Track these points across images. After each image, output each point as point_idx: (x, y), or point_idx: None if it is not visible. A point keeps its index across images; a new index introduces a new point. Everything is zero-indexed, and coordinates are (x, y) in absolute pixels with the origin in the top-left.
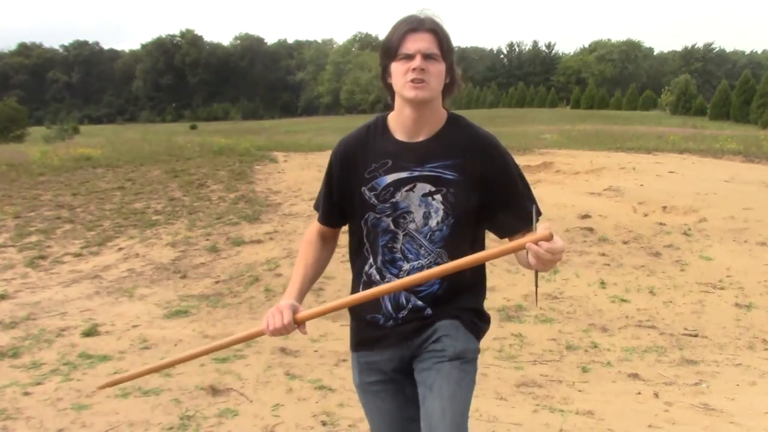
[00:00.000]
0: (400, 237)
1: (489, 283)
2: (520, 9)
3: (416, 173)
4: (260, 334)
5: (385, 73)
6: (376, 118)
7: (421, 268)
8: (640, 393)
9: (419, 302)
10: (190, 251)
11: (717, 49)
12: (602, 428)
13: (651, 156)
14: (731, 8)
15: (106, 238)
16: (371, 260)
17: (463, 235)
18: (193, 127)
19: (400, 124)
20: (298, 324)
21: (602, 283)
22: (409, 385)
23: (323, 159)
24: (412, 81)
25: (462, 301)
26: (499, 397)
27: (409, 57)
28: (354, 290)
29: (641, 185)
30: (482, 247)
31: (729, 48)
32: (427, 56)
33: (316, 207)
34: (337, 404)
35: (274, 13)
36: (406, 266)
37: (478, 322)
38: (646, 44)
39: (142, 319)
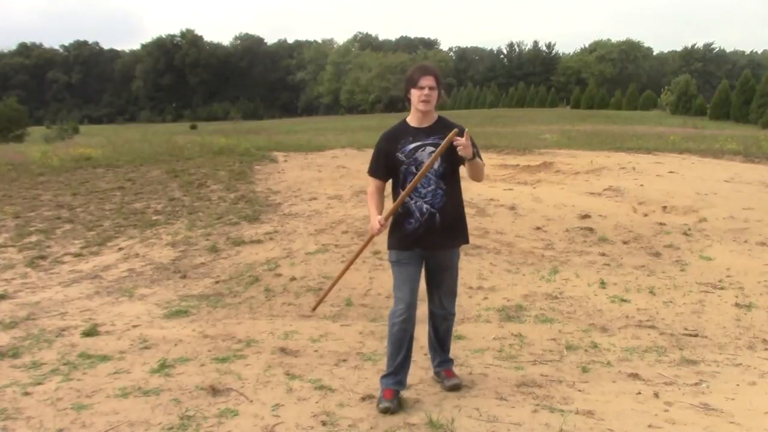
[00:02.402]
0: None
1: (489, 284)
2: (520, 9)
3: (425, 142)
4: (372, 236)
5: (407, 92)
6: (402, 121)
7: (431, 191)
8: (640, 393)
9: (432, 209)
10: (190, 251)
11: (717, 49)
12: (602, 428)
13: (651, 156)
14: (731, 8)
15: (106, 238)
16: (402, 189)
17: (451, 171)
18: (193, 127)
19: (414, 119)
20: (385, 221)
21: (602, 283)
22: (420, 265)
23: (323, 159)
24: (423, 101)
25: (456, 224)
26: (499, 397)
27: (422, 88)
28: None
29: (641, 185)
30: (459, 177)
31: (729, 48)
32: (431, 88)
33: (373, 171)
34: (337, 404)
35: (274, 13)
36: (422, 191)
37: (465, 238)
38: (646, 44)
39: (142, 319)
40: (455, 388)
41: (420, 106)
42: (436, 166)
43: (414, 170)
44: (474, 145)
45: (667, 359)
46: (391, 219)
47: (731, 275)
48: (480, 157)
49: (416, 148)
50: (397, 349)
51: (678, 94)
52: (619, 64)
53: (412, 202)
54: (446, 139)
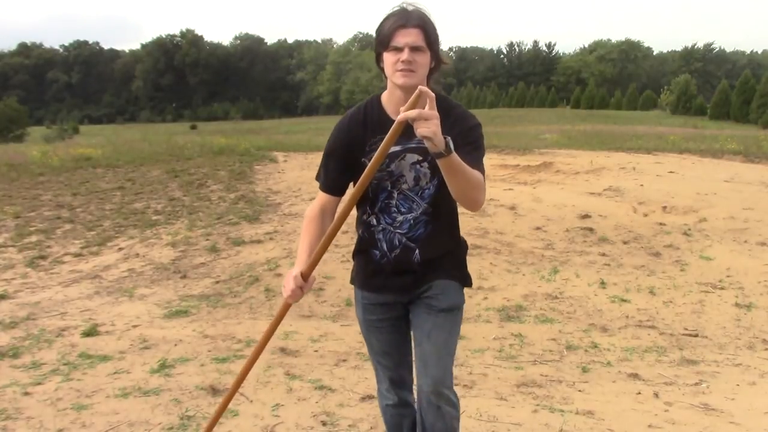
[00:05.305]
0: (395, 195)
1: (489, 284)
2: (520, 9)
3: (406, 146)
4: (286, 306)
5: (379, 59)
6: (371, 98)
7: (411, 220)
8: (640, 393)
9: (410, 243)
10: (190, 251)
11: (717, 49)
12: (602, 428)
13: (651, 156)
14: (731, 8)
15: (106, 238)
16: (369, 210)
17: (446, 192)
18: (193, 127)
19: (392, 103)
20: (306, 279)
21: (602, 283)
22: (404, 322)
23: None
24: (401, 70)
25: (446, 253)
26: (499, 397)
27: (399, 49)
28: (358, 232)
29: (641, 185)
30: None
31: (729, 48)
32: (414, 48)
33: (322, 179)
34: (337, 404)
35: (274, 13)
36: (399, 218)
37: (463, 274)
38: (646, 44)
39: (142, 319)
40: None
41: (398, 79)
42: (423, 184)
43: (389, 187)
44: (469, 139)
45: (667, 359)
46: (316, 265)
47: (731, 275)
48: (476, 164)
49: (392, 156)
50: None
51: (678, 94)
52: (619, 64)
53: (379, 227)
54: (402, 112)
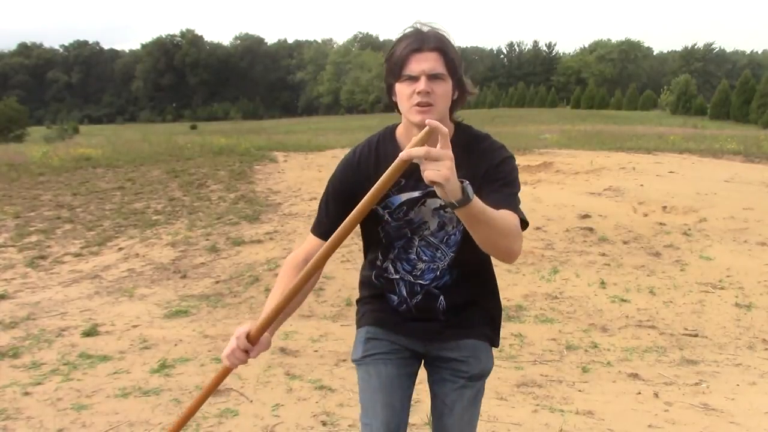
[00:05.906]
0: (416, 241)
1: None
2: (520, 9)
3: (426, 191)
4: (225, 370)
5: (391, 91)
6: (385, 132)
7: (435, 270)
8: (640, 393)
9: (434, 290)
10: (190, 251)
11: (717, 49)
12: (602, 428)
13: (651, 156)
14: (731, 8)
15: (106, 238)
16: (382, 257)
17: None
18: (193, 127)
19: (408, 140)
20: (254, 342)
21: (602, 283)
22: (415, 365)
23: (323, 159)
24: (418, 104)
25: (477, 303)
26: (499, 397)
27: (414, 79)
28: (367, 275)
29: (641, 185)
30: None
31: (729, 48)
32: (432, 77)
33: (317, 224)
34: (337, 404)
35: (274, 13)
36: (420, 265)
37: (494, 334)
38: (646, 44)
39: (142, 319)
40: None
41: (414, 116)
42: (449, 229)
43: (409, 234)
44: (498, 175)
45: (667, 359)
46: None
47: (731, 275)
48: (508, 203)
49: (411, 203)
50: None
51: (678, 94)
52: (619, 64)
53: (396, 275)
54: (407, 149)
